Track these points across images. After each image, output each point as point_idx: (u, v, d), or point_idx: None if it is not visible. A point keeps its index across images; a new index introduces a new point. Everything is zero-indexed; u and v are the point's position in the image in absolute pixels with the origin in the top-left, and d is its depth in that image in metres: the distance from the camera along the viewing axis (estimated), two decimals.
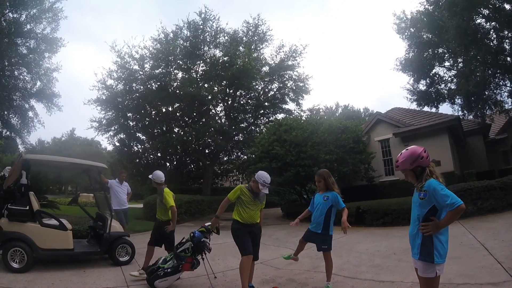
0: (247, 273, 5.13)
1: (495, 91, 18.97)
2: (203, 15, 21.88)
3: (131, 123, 25.22)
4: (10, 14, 18.78)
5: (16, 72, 20.80)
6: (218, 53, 22.86)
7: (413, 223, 3.32)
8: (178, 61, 22.16)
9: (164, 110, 24.68)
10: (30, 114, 22.05)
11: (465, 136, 20.66)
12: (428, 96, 21.78)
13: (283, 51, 23.72)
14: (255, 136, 21.77)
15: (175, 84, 22.73)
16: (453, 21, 15.85)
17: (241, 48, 22.16)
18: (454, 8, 15.71)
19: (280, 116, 24.16)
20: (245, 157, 25.22)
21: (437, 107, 21.70)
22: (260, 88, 24.12)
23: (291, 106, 24.74)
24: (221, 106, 24.97)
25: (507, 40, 17.28)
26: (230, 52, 21.29)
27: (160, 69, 21.93)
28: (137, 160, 27.01)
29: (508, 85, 18.66)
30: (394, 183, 17.15)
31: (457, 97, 19.98)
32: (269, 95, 24.31)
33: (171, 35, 22.26)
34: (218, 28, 22.61)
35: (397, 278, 5.60)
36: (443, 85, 21.88)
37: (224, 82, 22.08)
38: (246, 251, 5.15)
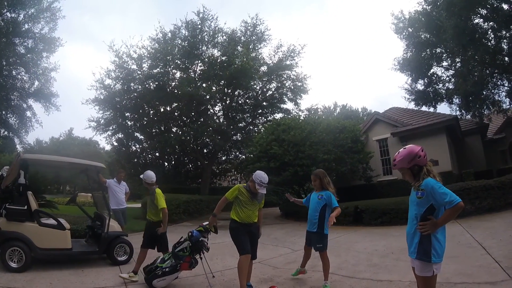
0: (245, 272, 5.14)
1: (493, 90, 19.03)
2: (201, 15, 21.87)
3: (129, 122, 25.23)
4: (8, 14, 18.77)
5: (14, 72, 20.76)
6: (216, 52, 22.86)
7: (410, 222, 3.33)
8: (176, 61, 22.13)
9: (162, 109, 24.69)
10: (28, 113, 22.04)
11: (463, 135, 20.71)
12: (426, 95, 21.83)
13: (281, 51, 23.74)
14: (253, 135, 21.78)
15: (173, 83, 22.73)
16: (451, 21, 15.88)
17: (239, 47, 22.15)
18: (452, 8, 15.74)
19: (278, 115, 24.24)
20: (243, 156, 25.19)
21: (435, 107, 21.77)
22: (258, 87, 24.11)
23: (289, 105, 24.76)
24: (219, 106, 24.98)
25: (505, 40, 17.34)
26: (228, 52, 21.27)
27: (158, 69, 21.91)
28: (135, 160, 27.00)
29: (506, 84, 18.72)
30: (392, 182, 17.18)
31: (455, 96, 20.04)
32: (267, 94, 24.31)
33: (169, 34, 22.25)
34: (216, 28, 22.60)
35: (395, 277, 5.61)
36: (441, 85, 21.95)
37: (222, 81, 22.06)
38: (244, 250, 5.16)
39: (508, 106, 19.85)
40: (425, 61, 20.98)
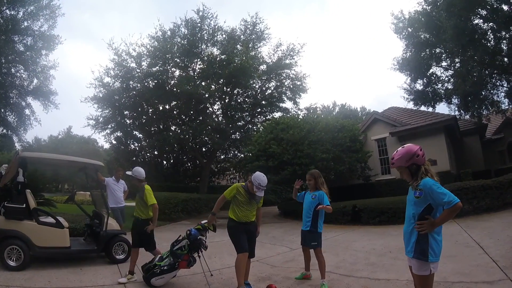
0: (242, 270, 5.17)
1: (492, 91, 19.05)
2: (201, 13, 21.81)
3: (128, 121, 25.20)
4: (7, 11, 18.73)
5: (13, 70, 20.69)
6: (215, 51, 22.80)
7: (408, 221, 3.34)
8: (176, 59, 22.10)
9: (161, 108, 24.66)
10: (27, 111, 21.97)
11: (462, 135, 20.75)
12: (425, 95, 21.83)
13: (280, 50, 23.69)
14: (252, 134, 21.80)
15: (172, 82, 22.70)
16: (450, 21, 15.88)
17: (238, 46, 22.13)
18: (451, 8, 15.74)
19: (277, 114, 24.18)
20: (242, 155, 25.19)
21: (434, 107, 21.77)
22: (257, 86, 24.08)
23: (288, 104, 24.73)
24: (218, 105, 24.94)
25: (504, 41, 17.35)
26: (228, 50, 21.26)
27: (157, 67, 21.87)
28: (134, 158, 26.95)
29: (505, 85, 18.73)
30: (390, 182, 17.22)
31: (454, 97, 20.05)
32: (266, 93, 24.28)
33: (169, 33, 22.20)
34: (216, 26, 22.55)
35: (393, 276, 5.63)
36: (440, 85, 21.94)
37: (222, 80, 22.02)
38: (241, 249, 5.20)
39: (507, 107, 19.89)
40: (425, 61, 20.98)
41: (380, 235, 9.75)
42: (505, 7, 16.03)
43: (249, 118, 25.39)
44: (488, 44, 17.24)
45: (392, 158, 3.48)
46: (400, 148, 3.45)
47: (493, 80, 18.72)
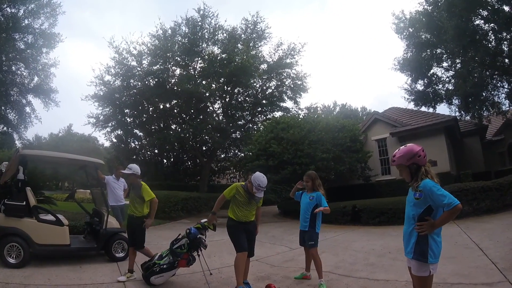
0: (241, 269, 5.18)
1: (492, 92, 19.02)
2: (201, 12, 21.81)
3: (128, 119, 25.19)
4: (8, 9, 18.71)
5: (13, 67, 20.70)
6: (216, 50, 22.81)
7: (407, 222, 3.34)
8: (176, 58, 22.10)
9: (161, 106, 24.65)
10: (27, 109, 21.97)
11: (462, 136, 20.75)
12: (425, 96, 21.83)
13: (281, 49, 23.67)
14: (253, 133, 21.79)
15: (173, 80, 22.70)
16: (451, 21, 15.88)
17: (239, 45, 22.13)
18: (453, 9, 15.74)
19: (277, 114, 24.17)
20: (242, 154, 25.18)
21: (434, 108, 21.77)
22: (258, 85, 24.08)
23: (288, 104, 24.72)
24: (218, 103, 24.92)
25: (505, 42, 17.33)
26: (229, 49, 21.26)
27: (158, 66, 21.88)
28: (134, 157, 26.95)
29: (506, 86, 18.72)
30: (390, 182, 17.22)
31: (455, 97, 20.04)
32: (267, 93, 24.27)
33: (170, 31, 22.19)
34: (217, 25, 22.55)
35: (392, 276, 5.64)
36: (440, 86, 21.94)
37: (222, 79, 22.02)
38: (241, 248, 5.21)
39: (508, 108, 19.90)
40: (425, 61, 20.98)
41: (379, 235, 9.76)
42: (506, 8, 16.01)
43: (250, 117, 25.38)
44: (489, 45, 17.23)
45: (393, 155, 3.48)
46: (403, 146, 3.45)
47: (494, 81, 18.71)
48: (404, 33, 21.42)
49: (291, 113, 23.30)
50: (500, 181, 11.15)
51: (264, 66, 23.26)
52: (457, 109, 20.30)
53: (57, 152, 10.07)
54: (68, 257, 7.12)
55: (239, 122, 24.94)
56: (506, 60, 17.49)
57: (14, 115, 21.70)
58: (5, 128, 22.28)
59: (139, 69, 22.17)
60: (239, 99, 24.94)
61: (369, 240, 9.15)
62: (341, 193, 17.34)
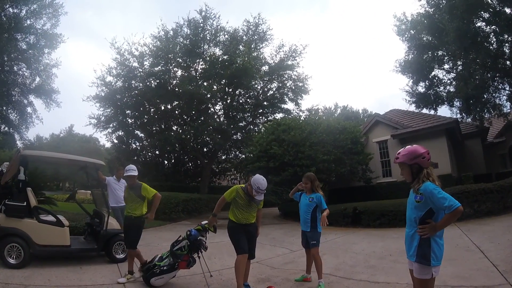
0: (242, 271, 5.16)
1: (494, 94, 19.01)
2: (203, 13, 21.87)
3: (129, 120, 25.24)
4: (10, 9, 18.77)
5: (15, 68, 20.76)
6: (218, 51, 22.86)
7: (409, 225, 3.33)
8: (178, 59, 22.16)
9: (163, 108, 24.69)
10: (29, 109, 22.03)
11: (463, 138, 20.73)
12: (427, 98, 21.83)
13: (283, 51, 23.74)
14: (254, 135, 21.79)
15: (174, 82, 22.74)
16: (453, 23, 15.88)
17: (241, 47, 22.15)
18: (454, 11, 15.74)
19: (278, 115, 24.19)
20: (243, 156, 25.18)
21: (435, 110, 21.77)
22: (259, 87, 24.12)
23: (290, 106, 24.73)
24: (220, 105, 24.95)
25: (506, 44, 17.33)
26: (230, 51, 21.29)
27: (159, 67, 21.93)
28: (135, 158, 26.98)
29: (507, 88, 18.70)
30: (391, 184, 17.20)
31: (456, 99, 20.04)
32: (268, 94, 24.30)
33: (171, 32, 22.25)
34: (219, 27, 22.61)
35: (393, 279, 5.62)
36: (442, 88, 21.94)
37: (224, 80, 22.06)
38: (241, 250, 5.20)
39: (509, 110, 19.86)
40: (427, 63, 20.98)
41: (380, 237, 9.74)
42: (507, 10, 16.03)
43: (251, 119, 25.40)
44: (491, 47, 17.23)
45: (398, 153, 3.47)
46: (409, 146, 3.45)
47: (495, 83, 18.69)
48: (406, 35, 21.43)
49: (292, 115, 23.32)
50: (501, 183, 11.12)
51: (265, 68, 23.30)
52: (458, 111, 20.31)
53: (58, 152, 10.07)
54: (68, 258, 7.11)
55: (240, 124, 24.95)
56: (508, 62, 17.49)
57: (15, 115, 21.76)
58: (6, 128, 22.30)
59: (141, 70, 22.22)
60: (240, 101, 24.98)
61: (369, 242, 9.13)
62: (342, 195, 17.33)
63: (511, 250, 6.57)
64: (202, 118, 23.45)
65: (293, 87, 23.83)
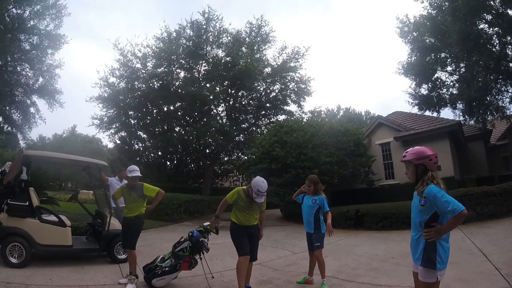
0: (243, 273, 5.15)
1: (496, 96, 18.95)
2: (206, 15, 21.94)
3: (132, 121, 25.30)
4: (14, 10, 18.89)
5: (18, 68, 20.87)
6: (220, 53, 22.93)
7: (414, 228, 3.31)
8: (181, 61, 22.22)
9: (165, 109, 24.74)
10: (32, 110, 22.18)
11: (466, 141, 20.68)
12: (429, 100, 21.76)
13: (285, 53, 23.75)
14: (256, 137, 21.79)
15: (177, 83, 22.81)
16: (456, 25, 15.85)
17: (243, 48, 22.18)
18: (457, 13, 15.71)
19: (281, 117, 24.16)
20: (246, 157, 25.18)
21: (438, 112, 21.69)
22: (262, 89, 24.14)
23: (292, 107, 24.86)
24: (222, 106, 24.97)
25: (509, 46, 17.28)
26: (233, 53, 21.33)
27: (162, 68, 22.00)
28: (138, 159, 27.02)
29: (510, 90, 18.66)
30: (394, 187, 17.16)
31: (459, 102, 19.98)
32: (270, 96, 24.32)
33: (174, 34, 22.34)
34: (221, 28, 22.68)
35: (395, 282, 5.60)
36: (445, 90, 21.85)
37: (226, 82, 22.09)
38: (243, 251, 5.18)
39: None
40: (429, 65, 20.92)
41: (382, 240, 9.70)
42: (510, 12, 15.99)
43: (253, 121, 25.41)
44: (493, 49, 17.19)
45: (406, 151, 3.47)
46: (418, 146, 3.45)
47: (498, 86, 18.63)
48: (408, 37, 21.38)
49: (294, 117, 23.31)
50: (504, 186, 11.07)
51: (268, 70, 23.30)
52: (461, 114, 20.23)
53: (61, 153, 10.09)
54: (70, 258, 7.13)
55: (243, 125, 24.97)
56: (511, 64, 17.43)
57: (18, 115, 21.89)
58: (9, 128, 22.43)
59: (144, 71, 22.29)
60: (243, 102, 25.00)
61: (372, 245, 9.09)
62: (344, 197, 17.29)
63: None
64: (205, 120, 23.48)
65: (296, 89, 23.83)
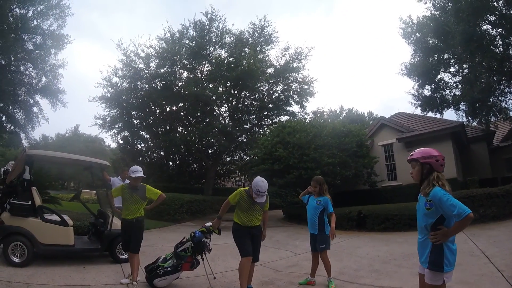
0: (245, 274, 5.14)
1: (500, 98, 18.88)
2: (209, 16, 21.98)
3: (135, 121, 25.38)
4: (18, 10, 18.91)
5: (22, 68, 20.94)
6: (223, 53, 22.95)
7: (420, 231, 3.30)
8: (184, 61, 22.25)
9: (168, 109, 24.80)
10: (35, 109, 22.22)
11: (469, 142, 20.61)
12: (432, 101, 21.69)
13: (288, 53, 23.76)
14: (259, 137, 21.79)
15: (180, 83, 22.85)
16: (459, 26, 15.80)
17: (246, 49, 22.20)
18: (460, 14, 15.67)
19: (284, 118, 24.17)
20: (248, 158, 25.20)
21: (441, 113, 21.61)
22: (264, 89, 24.14)
23: (295, 108, 24.74)
24: (225, 107, 25.02)
25: None
26: (236, 53, 21.35)
27: (165, 68, 22.04)
28: (140, 159, 27.06)
29: None
30: (396, 188, 17.12)
31: (462, 103, 19.89)
32: (273, 96, 24.30)
33: (177, 34, 22.36)
34: (224, 29, 22.71)
35: (397, 283, 5.58)
36: (448, 91, 21.78)
37: (229, 82, 22.11)
38: (245, 252, 5.17)
39: None
40: (433, 66, 20.85)
41: (385, 241, 9.67)
42: None
43: (256, 121, 25.42)
44: (497, 50, 17.12)
45: (414, 151, 3.48)
46: (426, 147, 3.46)
47: (501, 87, 18.57)
48: (412, 38, 21.32)
49: (297, 118, 23.27)
50: (507, 188, 11.02)
51: (271, 70, 23.30)
52: (464, 115, 20.16)
53: (64, 152, 10.10)
54: (71, 257, 7.13)
55: (245, 126, 24.99)
56: None
57: (21, 114, 21.95)
58: (12, 128, 22.48)
59: (147, 71, 22.33)
60: (246, 103, 25.00)
61: (374, 246, 9.07)
62: (347, 198, 17.25)
63: None
64: (207, 120, 23.51)
65: (299, 90, 23.82)
